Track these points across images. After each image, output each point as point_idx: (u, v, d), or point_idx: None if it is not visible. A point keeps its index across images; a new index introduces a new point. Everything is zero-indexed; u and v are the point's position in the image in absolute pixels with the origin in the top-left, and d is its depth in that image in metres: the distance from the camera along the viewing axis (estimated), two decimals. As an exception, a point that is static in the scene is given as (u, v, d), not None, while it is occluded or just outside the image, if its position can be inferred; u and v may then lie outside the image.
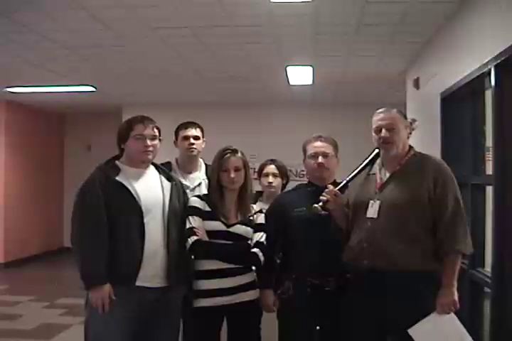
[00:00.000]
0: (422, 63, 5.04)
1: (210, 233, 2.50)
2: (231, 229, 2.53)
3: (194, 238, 2.46)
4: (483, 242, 3.36)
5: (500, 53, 2.86)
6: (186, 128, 3.18)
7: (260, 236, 2.56)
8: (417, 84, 5.13)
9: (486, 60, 3.06)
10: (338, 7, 3.87)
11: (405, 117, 2.51)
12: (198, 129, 3.20)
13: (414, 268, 2.25)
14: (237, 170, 2.56)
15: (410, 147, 2.47)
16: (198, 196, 2.66)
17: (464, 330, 2.28)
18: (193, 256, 2.56)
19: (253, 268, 2.61)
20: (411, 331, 2.22)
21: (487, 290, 3.24)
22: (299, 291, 2.58)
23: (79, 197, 2.45)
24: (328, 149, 2.68)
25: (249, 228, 2.57)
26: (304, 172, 3.21)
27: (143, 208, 2.43)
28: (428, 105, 4.67)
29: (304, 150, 2.74)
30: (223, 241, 2.51)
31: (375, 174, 2.50)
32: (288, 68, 5.82)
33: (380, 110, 2.45)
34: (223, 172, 2.56)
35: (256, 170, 3.31)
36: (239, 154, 2.61)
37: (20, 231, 8.13)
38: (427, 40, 4.61)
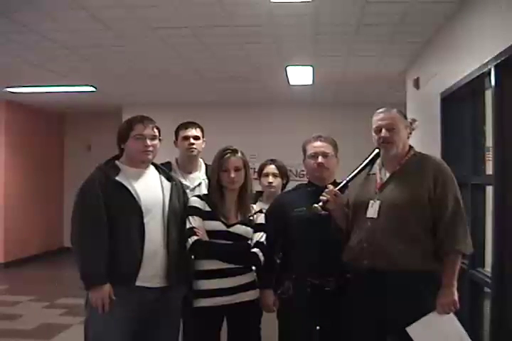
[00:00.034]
0: (422, 63, 5.04)
1: (210, 233, 2.50)
2: (231, 229, 2.53)
3: (194, 238, 2.46)
4: (483, 242, 3.36)
5: (500, 53, 2.86)
6: (186, 128, 3.18)
7: (260, 236, 2.56)
8: (417, 84, 5.13)
9: (486, 60, 3.06)
10: (338, 7, 3.87)
11: (405, 117, 2.51)
12: (198, 129, 3.20)
13: (414, 268, 2.25)
14: (237, 170, 2.56)
15: (410, 147, 2.47)
16: (198, 196, 2.66)
17: (463, 331, 2.28)
18: (193, 256, 2.55)
19: (253, 268, 2.61)
20: (409, 329, 2.22)
21: (487, 290, 3.24)
22: (299, 291, 2.57)
23: (79, 197, 2.45)
24: (328, 149, 2.67)
25: (249, 228, 2.57)
26: (304, 172, 3.21)
27: (143, 208, 2.43)
28: (428, 105, 4.67)
29: (304, 150, 2.74)
30: (223, 241, 2.51)
31: (375, 174, 2.50)
32: (288, 68, 5.82)
33: (380, 110, 2.45)
34: (223, 172, 2.56)
35: (256, 170, 3.31)
36: (239, 154, 2.61)
37: (20, 231, 8.13)
38: (427, 40, 4.61)
